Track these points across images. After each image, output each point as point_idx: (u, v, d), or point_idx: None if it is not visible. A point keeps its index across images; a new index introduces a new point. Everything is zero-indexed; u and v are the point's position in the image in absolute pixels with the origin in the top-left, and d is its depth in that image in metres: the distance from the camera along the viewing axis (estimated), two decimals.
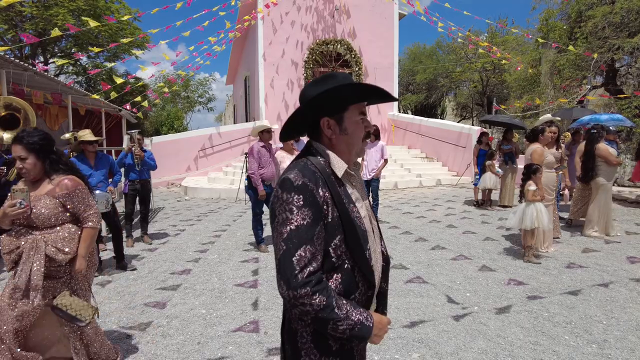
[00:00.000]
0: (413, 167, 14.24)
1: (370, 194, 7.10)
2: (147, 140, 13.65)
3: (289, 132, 1.37)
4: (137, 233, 6.59)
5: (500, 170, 7.91)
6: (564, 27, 14.32)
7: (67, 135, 5.73)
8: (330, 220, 1.19)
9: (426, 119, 16.75)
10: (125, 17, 9.29)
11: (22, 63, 6.46)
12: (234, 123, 25.45)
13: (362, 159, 6.98)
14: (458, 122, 25.23)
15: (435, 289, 4.08)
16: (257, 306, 3.78)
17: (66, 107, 10.43)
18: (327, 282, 1.18)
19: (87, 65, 13.31)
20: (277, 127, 6.30)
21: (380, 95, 1.33)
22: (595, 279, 4.23)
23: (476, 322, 3.32)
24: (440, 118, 29.59)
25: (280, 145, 6.16)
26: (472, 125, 21.17)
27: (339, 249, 1.21)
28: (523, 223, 4.78)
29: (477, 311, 3.53)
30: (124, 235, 6.21)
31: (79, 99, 10.25)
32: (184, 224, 7.91)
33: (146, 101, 14.56)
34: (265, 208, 5.74)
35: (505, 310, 3.54)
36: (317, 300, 1.11)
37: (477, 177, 8.25)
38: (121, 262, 4.97)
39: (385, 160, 7.10)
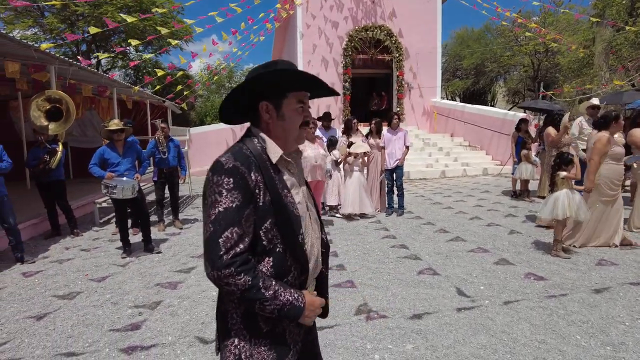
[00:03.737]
0: (459, 155, 13.76)
1: (395, 182, 6.96)
2: (181, 131, 14.16)
3: (228, 112, 1.37)
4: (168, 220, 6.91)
5: (537, 159, 7.43)
6: (623, 2, 13.02)
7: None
8: (261, 204, 1.20)
9: (469, 105, 16.04)
10: (161, 10, 9.69)
11: (66, 59, 6.94)
12: None
13: (384, 148, 6.85)
14: (509, 109, 23.90)
15: (448, 281, 3.95)
16: None
17: (121, 101, 11.11)
18: (255, 264, 1.19)
19: (133, 59, 14.03)
20: None
21: (319, 87, 1.31)
22: (628, 277, 3.89)
23: (482, 316, 3.18)
24: (491, 104, 28.26)
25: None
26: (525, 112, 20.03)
27: (270, 232, 1.22)
28: (554, 212, 4.48)
29: (486, 305, 3.37)
30: (157, 220, 6.57)
31: (124, 91, 10.83)
32: None
33: (189, 92, 15.14)
34: None
35: (517, 305, 3.35)
36: (241, 280, 1.13)
37: (515, 166, 7.81)
38: (148, 245, 5.26)
39: (407, 147, 6.90)
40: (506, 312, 3.23)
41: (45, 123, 5.89)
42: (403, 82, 17.01)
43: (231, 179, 1.16)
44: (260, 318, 1.24)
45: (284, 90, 1.28)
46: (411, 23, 16.66)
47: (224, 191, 1.16)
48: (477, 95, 27.04)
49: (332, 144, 6.82)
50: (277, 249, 1.23)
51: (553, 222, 4.68)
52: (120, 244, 5.21)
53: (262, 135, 1.29)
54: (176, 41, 11.44)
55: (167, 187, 6.56)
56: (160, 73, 9.64)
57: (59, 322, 3.28)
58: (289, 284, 1.25)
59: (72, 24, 13.57)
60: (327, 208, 7.29)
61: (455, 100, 27.03)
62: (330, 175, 5.95)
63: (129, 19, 7.97)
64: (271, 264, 1.23)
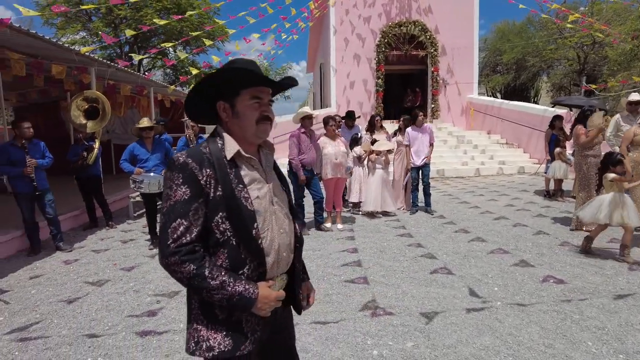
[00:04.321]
0: (495, 153, 13.34)
1: (421, 180, 6.86)
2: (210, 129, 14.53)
3: (192, 113, 1.45)
4: None
5: (572, 157, 7.07)
6: None
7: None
8: (211, 198, 1.27)
9: (507, 101, 15.46)
10: (191, 13, 10.05)
11: (105, 61, 7.37)
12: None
13: (410, 146, 6.76)
14: (553, 106, 22.69)
15: (461, 281, 3.88)
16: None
17: (155, 99, 11.63)
18: (202, 254, 1.25)
19: (171, 59, 14.67)
20: (317, 114, 6.39)
21: (266, 82, 1.35)
22: None
23: (491, 317, 3.12)
24: (534, 101, 27.02)
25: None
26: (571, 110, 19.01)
27: (222, 225, 1.28)
28: (596, 216, 4.26)
29: (497, 307, 3.30)
30: None
31: (161, 90, 11.33)
32: None
33: None
34: (306, 192, 5.89)
35: (530, 308, 3.26)
36: (186, 269, 1.21)
37: (548, 165, 7.48)
38: None
39: (431, 145, 6.78)
40: (516, 315, 3.15)
41: (84, 122, 6.29)
42: (438, 78, 16.65)
43: (181, 174, 1.25)
44: (216, 306, 1.30)
45: (235, 89, 1.33)
46: (447, 18, 16.26)
47: (174, 185, 1.25)
48: (519, 91, 25.94)
49: (355, 142, 6.83)
50: (231, 242, 1.29)
51: (591, 225, 4.46)
52: (149, 236, 5.50)
53: (223, 133, 1.36)
54: (210, 41, 11.81)
55: None
56: (194, 72, 9.99)
57: (85, 306, 3.55)
58: (245, 276, 1.31)
59: (115, 27, 14.39)
60: (350, 205, 7.32)
61: (495, 97, 26.08)
62: (351, 173, 5.97)
63: (161, 22, 8.34)
64: (225, 255, 1.29)
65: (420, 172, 6.83)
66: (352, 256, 4.72)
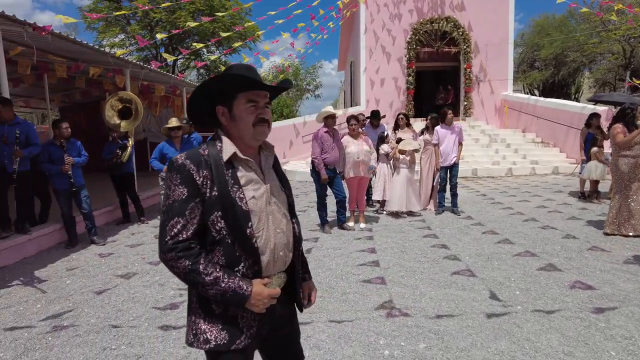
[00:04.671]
0: (528, 152, 12.89)
1: (449, 180, 6.74)
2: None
3: (195, 117, 1.51)
4: None
5: (609, 157, 6.72)
6: None
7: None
8: (207, 197, 1.33)
9: (543, 98, 14.87)
10: (221, 14, 10.29)
11: (138, 63, 7.69)
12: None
13: (438, 145, 6.65)
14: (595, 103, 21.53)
15: (482, 283, 3.80)
16: None
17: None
18: (198, 251, 1.32)
19: (205, 60, 15.11)
20: (341, 113, 6.39)
21: (259, 86, 1.38)
22: None
23: (509, 322, 3.04)
24: (575, 98, 25.80)
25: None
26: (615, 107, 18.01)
27: (218, 224, 1.34)
28: None
29: (517, 311, 3.21)
30: None
31: (192, 90, 11.67)
32: None
33: None
34: (329, 191, 5.92)
35: (552, 314, 3.15)
36: (182, 264, 1.28)
37: (583, 165, 7.15)
38: None
39: (460, 144, 6.63)
40: (537, 320, 3.05)
41: (118, 121, 6.60)
42: (471, 75, 16.23)
43: (179, 175, 1.32)
44: (213, 300, 1.36)
45: (232, 93, 1.38)
46: (481, 13, 15.82)
47: (172, 186, 1.32)
48: (558, 87, 24.84)
49: (382, 141, 6.80)
50: (227, 240, 1.34)
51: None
52: None
53: (222, 136, 1.41)
54: (239, 42, 12.06)
55: None
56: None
57: (113, 297, 3.74)
58: (240, 273, 1.36)
59: (151, 30, 14.99)
60: (376, 204, 7.29)
61: (533, 94, 25.11)
62: (374, 172, 5.94)
63: (193, 24, 8.61)
64: (221, 253, 1.35)
65: (449, 172, 6.70)
66: (372, 256, 4.71)
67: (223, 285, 1.30)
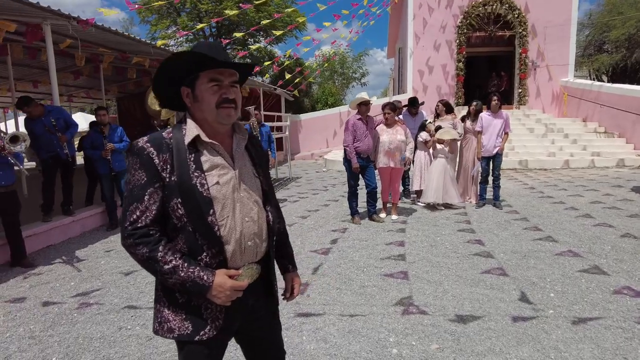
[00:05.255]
0: (589, 143, 11.87)
1: (492, 171, 6.33)
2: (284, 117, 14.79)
3: (161, 100, 1.45)
4: None
5: None
6: None
7: None
8: (167, 182, 1.27)
9: (607, 84, 13.57)
10: (258, 2, 10.24)
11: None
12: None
13: (481, 133, 6.25)
14: None
15: (514, 283, 3.52)
16: (316, 271, 3.95)
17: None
18: (158, 238, 1.26)
19: (248, 49, 15.30)
20: (375, 100, 6.14)
21: (216, 63, 1.28)
22: None
23: (537, 327, 2.78)
24: None
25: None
26: None
27: (178, 211, 1.28)
28: None
29: (548, 316, 2.93)
30: None
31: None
32: (309, 192, 8.55)
33: (300, 79, 15.82)
34: (361, 181, 5.76)
35: (589, 321, 2.84)
36: (140, 251, 1.24)
37: None
38: None
39: (507, 134, 6.17)
40: (569, 327, 2.76)
41: (159, 109, 6.83)
42: (527, 61, 15.16)
43: (137, 159, 1.27)
44: (177, 289, 1.31)
45: (193, 72, 1.29)
46: None
47: (132, 170, 1.28)
48: (631, 71, 22.54)
49: (422, 129, 6.53)
50: (188, 228, 1.28)
51: None
52: None
53: (188, 119, 1.34)
54: (279, 32, 12.04)
55: None
56: (266, 63, 10.27)
57: (139, 279, 3.88)
58: (203, 262, 1.29)
59: (200, 21, 15.40)
60: (414, 196, 7.03)
61: (601, 80, 23.02)
62: (405, 164, 5.68)
63: (231, 13, 8.68)
64: (183, 241, 1.29)
65: (492, 162, 6.30)
66: (399, 249, 4.54)
67: (182, 274, 1.24)
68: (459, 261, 4.10)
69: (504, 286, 3.47)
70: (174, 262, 1.24)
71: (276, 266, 1.61)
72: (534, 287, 3.43)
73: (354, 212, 5.78)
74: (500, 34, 15.38)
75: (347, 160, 5.62)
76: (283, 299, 1.67)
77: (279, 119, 14.56)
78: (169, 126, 6.97)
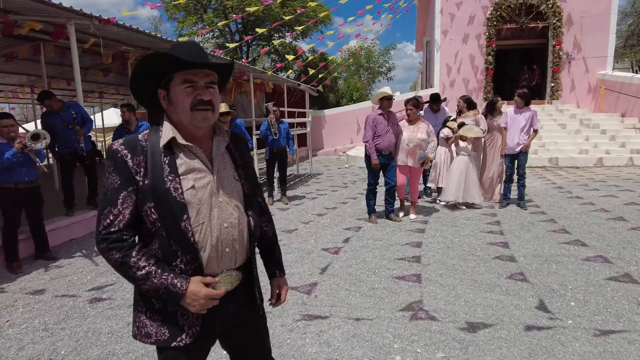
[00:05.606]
0: (627, 140, 11.25)
1: (516, 170, 6.07)
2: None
3: (141, 101, 1.42)
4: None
5: None
6: None
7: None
8: (141, 186, 1.24)
9: None
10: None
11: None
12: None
13: (504, 129, 6.01)
14: None
15: (533, 289, 3.35)
16: (325, 271, 3.90)
17: (260, 85, 12.33)
18: (131, 243, 1.24)
19: (272, 45, 15.32)
20: (398, 95, 5.96)
21: (187, 64, 1.23)
22: None
23: (552, 338, 2.62)
24: None
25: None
26: None
27: (151, 216, 1.24)
28: None
29: (566, 326, 2.76)
30: (266, 195, 7.18)
31: (260, 75, 11.89)
32: (328, 189, 8.50)
33: (324, 74, 15.73)
34: (381, 179, 5.63)
35: (611, 334, 2.65)
36: (113, 256, 1.22)
37: None
38: None
39: (535, 131, 5.88)
40: (588, 340, 2.59)
41: None
42: (561, 53, 14.48)
43: (112, 162, 1.25)
44: (151, 295, 1.28)
45: (168, 73, 1.26)
46: None
47: (107, 174, 1.26)
48: None
49: (445, 126, 6.34)
50: (162, 233, 1.25)
51: None
52: None
53: (165, 121, 1.31)
54: (301, 27, 11.96)
55: (276, 165, 7.08)
56: (289, 58, 10.25)
57: None
58: (178, 269, 1.26)
59: (225, 17, 15.55)
60: (434, 194, 6.85)
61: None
62: (422, 163, 5.49)
63: (251, 9, 8.68)
64: (158, 246, 1.27)
65: (516, 161, 6.03)
66: (414, 250, 4.41)
67: (155, 281, 1.21)
68: (476, 264, 3.95)
69: (520, 292, 3.31)
70: (147, 269, 1.21)
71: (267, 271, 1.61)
72: (554, 294, 3.25)
73: (370, 210, 5.68)
74: (532, 25, 14.75)
75: (367, 157, 5.50)
76: (269, 304, 1.62)
77: (301, 115, 14.52)
78: None
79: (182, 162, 1.28)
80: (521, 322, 2.85)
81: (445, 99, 7.18)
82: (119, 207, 1.23)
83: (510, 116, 6.00)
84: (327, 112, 17.37)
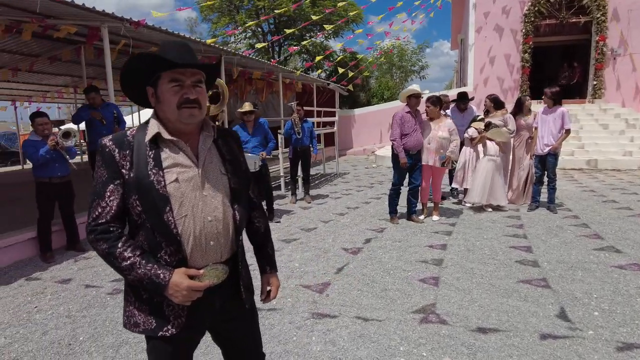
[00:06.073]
0: None
1: (545, 172, 5.82)
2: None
3: (133, 98, 1.46)
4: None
5: None
6: None
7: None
8: (127, 179, 1.29)
9: None
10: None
11: (230, 50, 8.15)
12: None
13: (535, 129, 5.77)
14: None
15: (555, 296, 3.20)
16: (341, 271, 3.89)
17: (289, 84, 12.44)
18: (118, 235, 1.28)
19: (307, 46, 15.41)
20: (427, 93, 5.80)
21: (172, 65, 1.27)
22: None
23: (569, 348, 2.50)
24: None
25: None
26: None
27: (136, 208, 1.29)
28: None
29: (586, 337, 2.62)
30: (289, 193, 7.25)
31: (289, 75, 12.00)
32: (353, 188, 8.47)
33: (355, 73, 15.65)
34: (406, 180, 5.53)
35: (636, 349, 2.49)
36: (101, 247, 1.27)
37: None
38: (270, 214, 5.88)
39: (567, 131, 5.60)
40: (609, 353, 2.45)
41: (207, 104, 7.10)
42: (605, 49, 13.72)
43: (100, 157, 1.30)
44: (137, 286, 1.33)
45: (156, 72, 1.30)
46: None
47: (97, 168, 1.32)
48: None
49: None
50: (147, 225, 1.29)
51: None
52: None
53: (151, 118, 1.35)
54: (330, 26, 11.96)
55: (300, 164, 7.12)
56: (318, 58, 10.29)
57: None
58: (163, 260, 1.30)
59: (258, 18, 15.80)
60: (461, 195, 6.67)
61: None
62: (443, 164, 5.35)
63: (279, 11, 8.78)
64: (144, 237, 1.31)
65: (546, 163, 5.77)
66: (432, 252, 4.32)
67: (139, 271, 1.25)
68: (495, 268, 3.81)
69: (540, 299, 3.17)
70: (132, 259, 1.26)
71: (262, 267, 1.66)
72: (576, 302, 3.09)
73: (392, 211, 5.59)
74: (573, 20, 14.06)
75: (394, 156, 5.41)
76: (260, 300, 1.64)
77: (328, 114, 14.51)
78: (217, 121, 7.23)
79: (167, 156, 1.32)
80: (537, 330, 2.73)
81: (472, 98, 6.97)
82: (106, 199, 1.29)
83: (541, 116, 5.76)
84: (357, 111, 17.28)
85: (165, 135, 1.32)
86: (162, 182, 1.28)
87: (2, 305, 3.42)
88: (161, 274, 1.26)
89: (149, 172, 1.28)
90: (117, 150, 1.30)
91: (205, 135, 1.41)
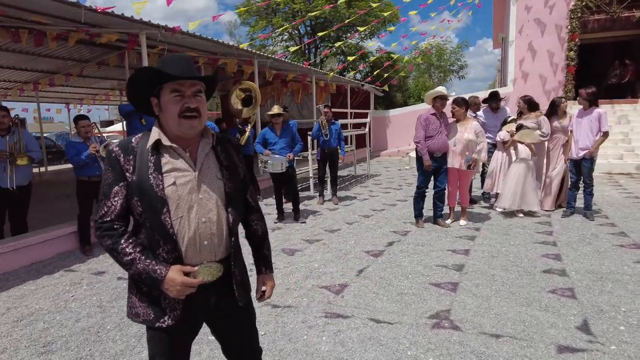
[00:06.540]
0: None
1: (580, 177, 5.54)
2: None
3: (138, 107, 1.58)
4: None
5: None
6: None
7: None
8: (130, 182, 1.42)
9: None
10: (341, 1, 10.22)
11: (263, 54, 8.35)
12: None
13: (571, 132, 5.53)
14: None
15: (578, 307, 3.07)
16: (360, 273, 3.91)
17: (323, 86, 12.57)
18: (121, 232, 1.42)
19: (343, 47, 15.47)
20: (454, 94, 5.66)
21: (169, 77, 1.39)
22: None
23: None
24: None
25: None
26: None
27: (137, 208, 1.42)
28: None
29: (607, 352, 2.51)
30: (317, 194, 7.33)
31: (322, 77, 12.13)
32: (382, 190, 8.44)
33: (390, 73, 15.54)
34: (431, 183, 5.46)
35: None
36: (105, 243, 1.41)
37: None
38: (296, 215, 6.00)
39: (605, 134, 5.31)
40: None
41: (240, 108, 7.32)
42: None
43: (108, 161, 1.45)
44: (137, 279, 1.46)
45: (158, 84, 1.42)
46: None
47: (104, 171, 1.46)
48: None
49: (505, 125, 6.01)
50: (146, 224, 1.42)
51: None
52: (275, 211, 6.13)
53: (154, 126, 1.47)
54: (363, 27, 11.92)
55: (328, 165, 7.18)
56: (350, 59, 10.32)
57: None
58: (161, 257, 1.42)
59: (294, 20, 16.05)
60: (493, 200, 6.48)
61: None
62: (469, 166, 5.22)
63: (312, 13, 8.89)
64: (144, 235, 1.44)
65: (581, 167, 5.50)
66: (455, 257, 4.25)
67: (139, 266, 1.38)
68: (518, 276, 3.70)
69: (562, 310, 3.05)
70: (132, 255, 1.39)
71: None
72: (602, 315, 2.95)
73: (417, 214, 5.54)
74: (626, 14, 13.19)
75: (419, 158, 5.37)
76: (256, 299, 1.72)
77: (359, 115, 14.46)
78: (249, 123, 7.44)
79: (167, 161, 1.44)
80: (554, 341, 2.64)
81: (504, 97, 6.75)
82: (111, 200, 1.42)
83: (576, 118, 5.50)
84: (392, 112, 17.12)
85: (166, 142, 1.43)
86: (161, 185, 1.40)
87: (45, 293, 3.72)
88: (158, 270, 1.38)
89: (149, 176, 1.40)
90: (122, 155, 1.43)
91: (204, 142, 1.51)
